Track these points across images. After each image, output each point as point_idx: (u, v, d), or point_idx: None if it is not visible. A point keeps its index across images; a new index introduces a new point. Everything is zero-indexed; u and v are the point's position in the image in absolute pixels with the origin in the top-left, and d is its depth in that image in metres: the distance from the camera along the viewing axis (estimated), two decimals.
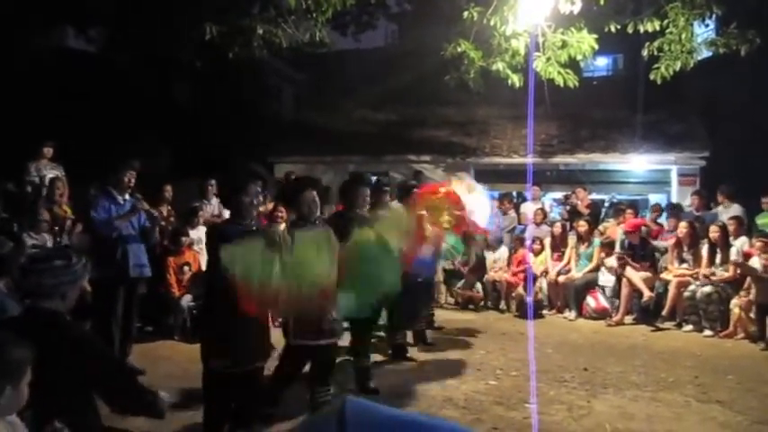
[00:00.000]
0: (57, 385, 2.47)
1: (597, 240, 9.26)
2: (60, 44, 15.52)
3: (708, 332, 7.82)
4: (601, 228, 9.78)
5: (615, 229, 9.45)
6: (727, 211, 9.08)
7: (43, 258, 2.72)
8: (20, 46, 12.59)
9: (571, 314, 8.89)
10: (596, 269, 9.05)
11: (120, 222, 5.76)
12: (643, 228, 9.24)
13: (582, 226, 9.36)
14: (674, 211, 9.78)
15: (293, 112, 16.81)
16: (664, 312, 8.39)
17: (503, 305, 9.45)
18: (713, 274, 8.08)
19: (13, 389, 2.07)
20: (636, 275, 8.46)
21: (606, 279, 8.89)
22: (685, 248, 8.53)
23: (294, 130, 14.85)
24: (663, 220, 9.93)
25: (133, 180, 5.95)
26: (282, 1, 7.08)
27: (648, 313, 8.52)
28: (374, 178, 8.03)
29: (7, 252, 3.32)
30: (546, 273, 9.38)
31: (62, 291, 2.66)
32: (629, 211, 9.63)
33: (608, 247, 8.95)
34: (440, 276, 9.68)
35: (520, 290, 9.06)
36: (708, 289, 7.94)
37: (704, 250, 8.29)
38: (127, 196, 5.98)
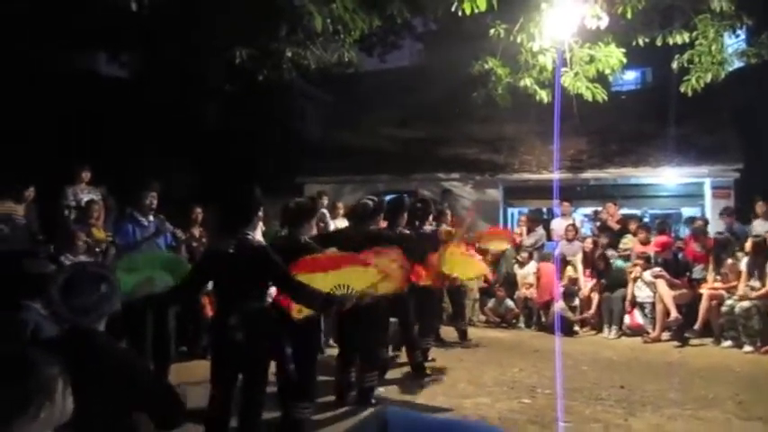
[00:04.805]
0: (97, 406, 2.50)
1: (619, 262, 9.15)
2: (91, 69, 15.94)
3: (747, 348, 7.65)
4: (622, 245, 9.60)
5: (636, 245, 9.30)
6: (765, 225, 8.88)
7: (86, 283, 2.71)
8: (52, 71, 12.94)
9: (611, 332, 8.74)
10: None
11: (145, 245, 5.76)
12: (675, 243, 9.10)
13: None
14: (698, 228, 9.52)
15: (321, 132, 16.94)
16: (696, 326, 8.20)
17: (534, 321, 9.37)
18: (751, 288, 7.90)
19: (51, 403, 2.12)
20: (667, 293, 8.30)
21: (646, 295, 8.70)
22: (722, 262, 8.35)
23: (322, 149, 14.95)
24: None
25: (155, 201, 5.97)
26: (310, 24, 7.16)
27: (682, 332, 8.35)
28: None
29: (47, 274, 3.37)
30: (579, 289, 9.26)
31: (101, 313, 2.69)
32: (658, 231, 9.44)
33: (645, 261, 8.79)
34: (476, 294, 9.64)
35: (554, 307, 8.95)
36: (746, 304, 7.76)
37: (742, 264, 8.12)
38: (151, 218, 6.03)
